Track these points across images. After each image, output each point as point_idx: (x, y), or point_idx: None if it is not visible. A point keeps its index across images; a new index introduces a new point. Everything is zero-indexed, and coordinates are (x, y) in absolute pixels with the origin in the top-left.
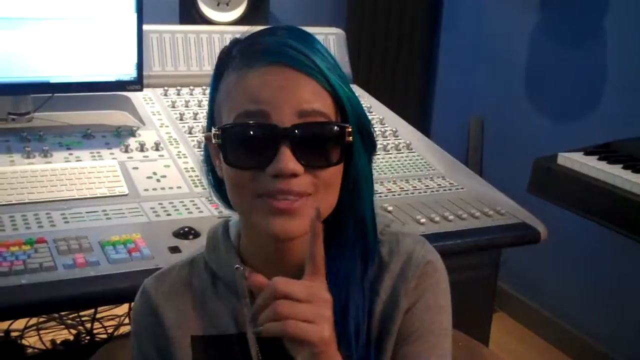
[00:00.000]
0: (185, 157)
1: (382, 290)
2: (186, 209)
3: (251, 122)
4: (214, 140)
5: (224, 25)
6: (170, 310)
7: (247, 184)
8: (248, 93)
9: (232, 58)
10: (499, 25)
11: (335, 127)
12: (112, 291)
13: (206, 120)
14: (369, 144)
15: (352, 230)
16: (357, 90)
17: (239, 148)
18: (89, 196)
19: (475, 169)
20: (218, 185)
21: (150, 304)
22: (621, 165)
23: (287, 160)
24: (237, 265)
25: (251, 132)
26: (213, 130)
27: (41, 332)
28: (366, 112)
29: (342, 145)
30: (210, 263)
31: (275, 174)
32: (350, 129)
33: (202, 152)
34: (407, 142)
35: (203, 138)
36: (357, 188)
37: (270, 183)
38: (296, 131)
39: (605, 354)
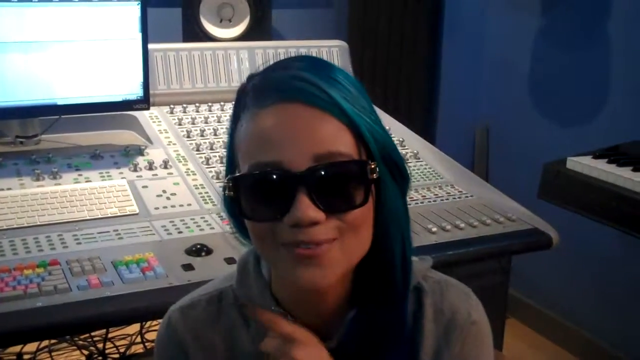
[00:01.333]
0: (194, 174)
1: (423, 351)
2: (197, 226)
3: (262, 171)
4: (226, 192)
5: (227, 41)
6: (196, 349)
7: (267, 235)
8: (259, 138)
9: (246, 95)
10: (501, 31)
11: (355, 165)
12: (128, 311)
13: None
14: (399, 177)
15: (385, 274)
16: None
17: (254, 200)
18: (100, 216)
19: (481, 177)
20: (243, 228)
21: (176, 337)
22: (631, 168)
23: (305, 208)
24: (273, 308)
25: (264, 182)
26: (225, 181)
27: (53, 354)
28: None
29: (366, 184)
30: (242, 298)
31: (293, 224)
32: (373, 165)
33: (209, 169)
34: (415, 151)
35: (217, 164)
36: (387, 227)
37: (290, 234)
38: (312, 175)
39: (619, 358)
